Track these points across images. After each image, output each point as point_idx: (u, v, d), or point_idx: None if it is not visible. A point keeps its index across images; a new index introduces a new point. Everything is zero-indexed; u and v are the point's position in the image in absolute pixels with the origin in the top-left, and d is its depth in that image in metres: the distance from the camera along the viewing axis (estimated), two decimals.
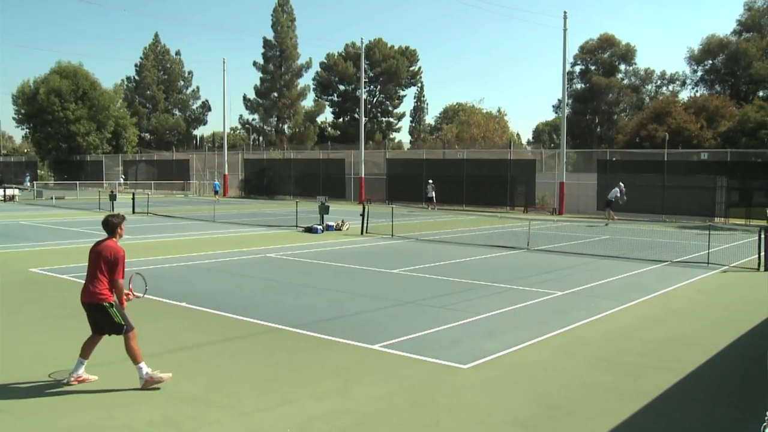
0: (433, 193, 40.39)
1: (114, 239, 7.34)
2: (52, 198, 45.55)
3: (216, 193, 53.59)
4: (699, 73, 68.19)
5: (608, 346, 9.17)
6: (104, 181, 61.52)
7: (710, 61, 66.07)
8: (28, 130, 74.29)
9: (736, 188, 33.50)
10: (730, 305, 12.42)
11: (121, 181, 59.84)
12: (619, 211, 34.83)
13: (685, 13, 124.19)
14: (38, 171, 73.28)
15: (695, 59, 66.76)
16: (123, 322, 7.05)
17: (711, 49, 64.55)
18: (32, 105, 68.21)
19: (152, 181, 60.41)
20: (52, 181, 61.07)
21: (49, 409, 6.51)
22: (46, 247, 19.80)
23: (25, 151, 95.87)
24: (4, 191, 46.92)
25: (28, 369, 7.77)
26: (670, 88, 73.03)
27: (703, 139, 50.87)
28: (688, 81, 70.73)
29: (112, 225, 7.35)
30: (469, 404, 6.79)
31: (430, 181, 40.91)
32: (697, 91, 68.02)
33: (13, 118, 73.89)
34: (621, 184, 31.72)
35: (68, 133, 68.08)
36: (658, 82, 74.85)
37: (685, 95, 68.22)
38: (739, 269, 16.71)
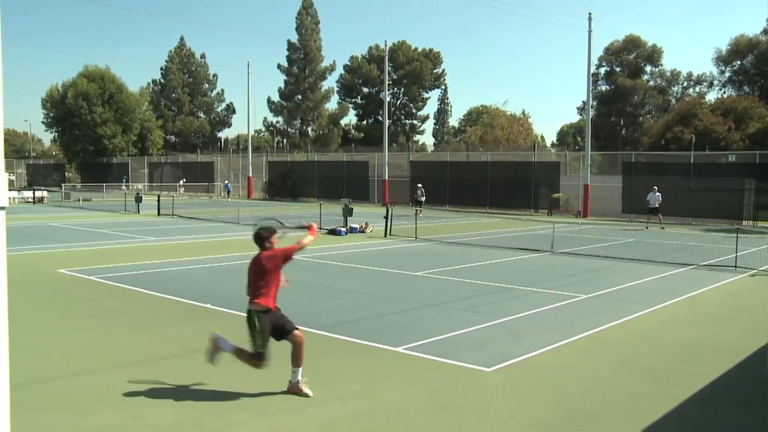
0: (423, 198, 38.11)
1: (266, 252, 7.16)
2: (79, 200, 46.15)
3: (228, 192, 55.41)
4: (727, 74, 67.29)
5: (634, 349, 9.08)
6: (130, 183, 62.23)
7: (738, 62, 65.14)
8: (56, 133, 75.42)
9: (765, 190, 32.98)
10: (758, 309, 12.23)
11: (181, 183, 60.57)
12: (645, 214, 34.57)
13: (712, 14, 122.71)
14: (66, 173, 74.35)
15: (723, 60, 65.86)
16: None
17: (739, 49, 63.64)
18: (60, 108, 69.26)
19: (177, 183, 61.00)
20: (79, 183, 61.96)
21: (76, 408, 6.59)
22: (73, 248, 20.07)
23: (54, 153, 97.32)
24: (34, 193, 47.66)
25: (56, 368, 7.89)
26: (697, 89, 72.14)
27: (731, 141, 50.16)
28: (715, 82, 69.83)
29: (260, 238, 7.25)
30: (493, 407, 6.76)
31: (420, 185, 39.24)
32: (724, 92, 67.15)
33: (42, 122, 75.19)
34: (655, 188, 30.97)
35: (95, 136, 69.01)
36: (685, 83, 73.98)
37: (712, 97, 67.41)
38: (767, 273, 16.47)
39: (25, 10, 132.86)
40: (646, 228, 29.12)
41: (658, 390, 7.36)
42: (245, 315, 7.07)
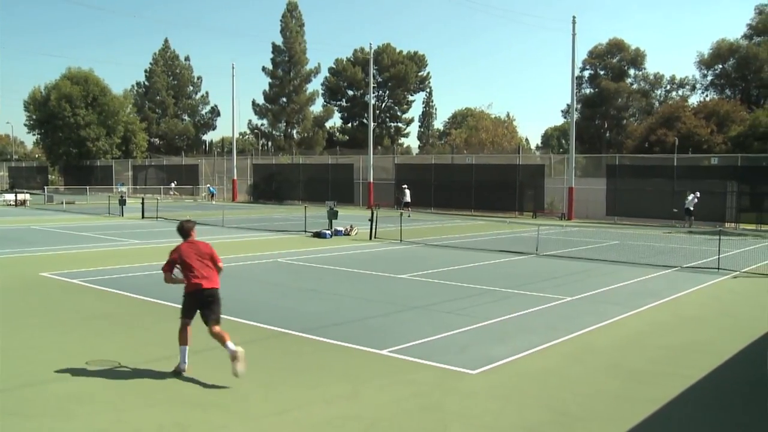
0: (409, 198, 40.19)
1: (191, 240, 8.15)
2: (62, 203, 45.78)
3: (212, 196, 55.55)
4: (709, 78, 67.98)
5: (618, 352, 9.13)
6: (113, 186, 61.81)
7: (720, 66, 65.83)
8: (39, 136, 74.76)
9: (747, 193, 33.31)
10: (741, 311, 12.34)
11: (173, 186, 60.38)
12: (629, 216, 34.91)
13: (695, 18, 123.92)
14: (49, 176, 73.75)
15: (705, 63, 66.53)
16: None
17: (721, 53, 64.32)
18: (43, 111, 68.63)
19: (161, 186, 60.69)
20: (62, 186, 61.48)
21: (59, 413, 6.53)
22: (56, 251, 19.90)
23: (36, 156, 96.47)
24: (16, 196, 47.22)
25: (38, 372, 7.81)
26: (680, 92, 72.79)
27: (714, 144, 50.63)
28: (698, 85, 70.52)
29: (187, 230, 8.24)
30: (478, 410, 6.77)
31: (405, 186, 41.12)
32: (707, 95, 67.80)
33: (25, 124, 74.55)
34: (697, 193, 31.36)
35: (78, 139, 68.45)
36: (668, 86, 74.64)
37: (694, 100, 67.98)
38: (750, 275, 16.61)
39: (5, 11, 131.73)
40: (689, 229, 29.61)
41: (642, 392, 7.41)
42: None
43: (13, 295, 12.70)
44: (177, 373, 7.67)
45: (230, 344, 7.43)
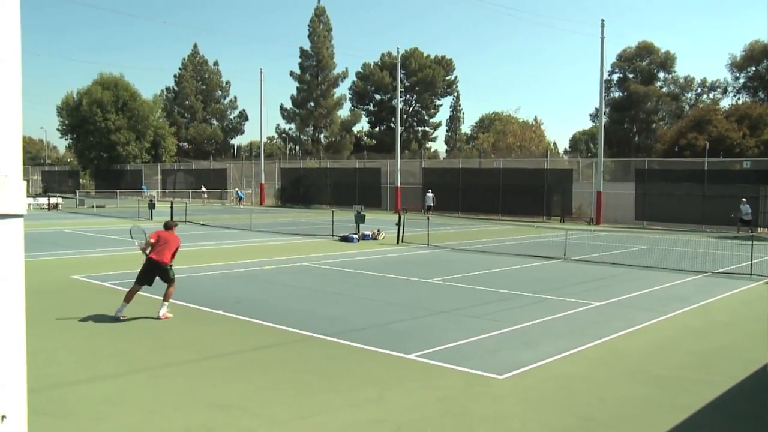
0: (431, 202, 41.96)
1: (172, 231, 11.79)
2: (93, 207, 46.46)
3: (240, 200, 55.95)
4: (741, 80, 66.85)
5: (646, 357, 9.02)
6: (142, 190, 62.56)
7: (753, 68, 64.71)
8: (71, 141, 76.03)
9: None
10: None
11: (204, 189, 61.25)
12: (658, 221, 34.50)
13: (726, 20, 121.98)
14: (80, 180, 74.91)
15: (737, 66, 65.46)
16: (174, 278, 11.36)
17: (754, 55, 63.21)
18: (75, 116, 69.81)
19: (190, 190, 61.29)
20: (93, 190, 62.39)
21: (89, 413, 6.63)
22: (87, 254, 20.20)
23: (68, 160, 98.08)
24: (48, 199, 48.03)
25: (69, 374, 7.93)
26: (711, 95, 71.70)
27: (746, 148, 49.80)
28: (729, 88, 69.39)
29: (169, 226, 11.98)
30: (505, 415, 6.74)
31: (429, 191, 42.79)
32: (739, 98, 66.69)
33: (57, 129, 75.94)
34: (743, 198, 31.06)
35: (109, 143, 69.48)
36: (698, 89, 73.53)
37: (726, 103, 66.93)
38: None
39: (39, 17, 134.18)
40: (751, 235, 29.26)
41: (670, 399, 7.31)
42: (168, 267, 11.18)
43: (45, 297, 12.90)
44: (115, 319, 10.73)
45: (164, 308, 11.01)
